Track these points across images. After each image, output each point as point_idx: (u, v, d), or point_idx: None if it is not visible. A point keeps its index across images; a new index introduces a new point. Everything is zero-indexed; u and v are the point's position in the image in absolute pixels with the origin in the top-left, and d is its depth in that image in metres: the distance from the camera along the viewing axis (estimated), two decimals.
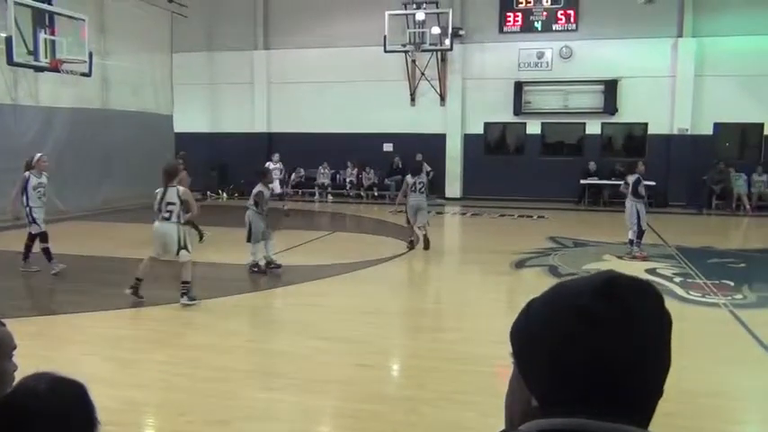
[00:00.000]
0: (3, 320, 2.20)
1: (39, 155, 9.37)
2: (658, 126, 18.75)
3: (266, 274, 9.23)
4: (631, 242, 10.65)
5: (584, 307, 0.91)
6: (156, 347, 6.05)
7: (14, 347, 2.12)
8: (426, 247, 11.32)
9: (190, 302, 7.34)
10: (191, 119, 21.20)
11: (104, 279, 9.01)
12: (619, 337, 0.89)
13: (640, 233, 10.53)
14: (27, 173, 9.15)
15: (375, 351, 6.11)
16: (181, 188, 7.45)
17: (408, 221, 11.44)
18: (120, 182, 17.64)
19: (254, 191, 9.41)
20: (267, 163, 17.25)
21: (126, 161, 17.77)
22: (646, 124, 19.04)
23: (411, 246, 11.44)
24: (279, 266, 9.34)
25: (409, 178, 11.42)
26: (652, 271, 9.41)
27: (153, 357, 5.76)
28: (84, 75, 12.98)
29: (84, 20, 12.86)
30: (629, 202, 10.56)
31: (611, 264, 10.04)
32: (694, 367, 5.69)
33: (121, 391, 4.86)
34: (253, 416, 4.58)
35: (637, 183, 10.46)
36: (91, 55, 12.75)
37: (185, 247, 7.43)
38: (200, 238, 11.34)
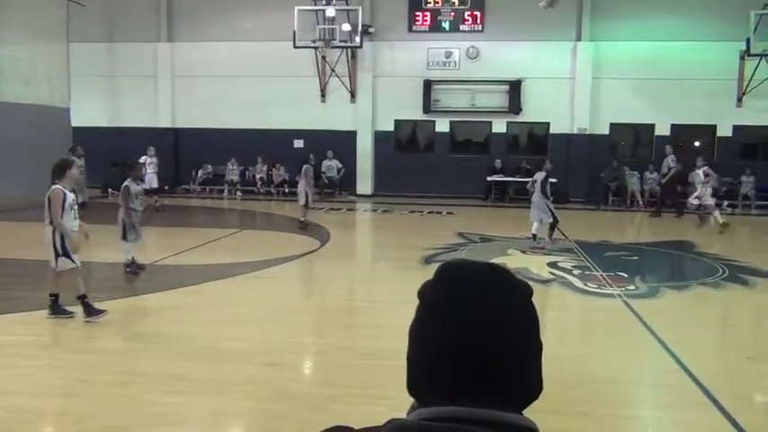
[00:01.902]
0: None
1: None
2: (559, 125, 19.57)
3: (144, 270, 8.87)
4: (534, 236, 11.14)
5: (421, 294, 1.01)
6: (54, 353, 5.75)
7: None
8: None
9: (51, 315, 6.61)
10: (90, 112, 20.22)
11: None
12: (450, 321, 0.96)
13: (554, 225, 11.12)
14: None
15: (284, 350, 6.05)
16: (53, 187, 6.55)
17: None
18: (12, 178, 16.57)
19: (122, 186, 8.95)
20: (142, 157, 16.65)
21: (17, 156, 16.70)
22: (548, 124, 19.82)
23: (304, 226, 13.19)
24: (142, 267, 8.94)
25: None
26: (553, 264, 9.84)
27: (50, 363, 5.46)
28: None
29: None
30: (539, 199, 10.99)
31: (515, 258, 10.41)
32: (591, 355, 6.01)
33: (12, 399, 4.59)
34: (157, 421, 4.44)
35: (545, 181, 10.92)
36: None
37: (65, 255, 6.50)
38: None
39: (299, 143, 20.48)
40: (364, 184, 20.50)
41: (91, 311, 6.58)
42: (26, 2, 17.26)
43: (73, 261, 6.54)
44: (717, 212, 13.80)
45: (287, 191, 20.03)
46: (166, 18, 20.80)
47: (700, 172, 13.96)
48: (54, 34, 18.77)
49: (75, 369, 5.32)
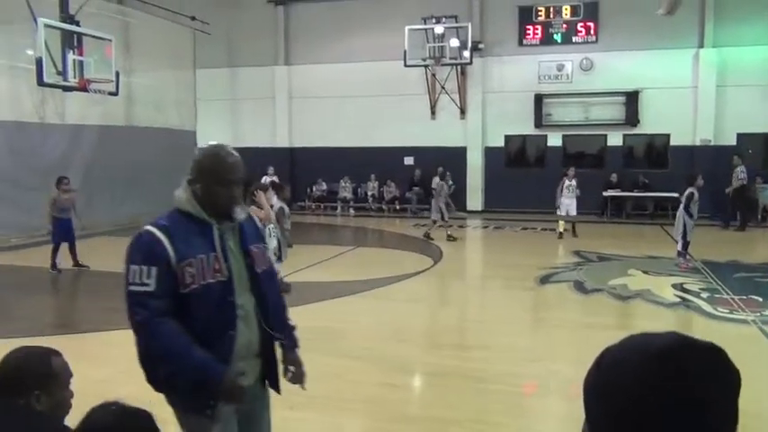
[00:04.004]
0: (58, 351, 2.30)
1: None
2: (681, 137, 18.63)
3: (290, 291, 9.18)
4: (679, 253, 10.75)
5: (647, 367, 0.96)
6: None
7: (71, 376, 2.21)
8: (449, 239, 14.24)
9: None
10: (213, 134, 21.34)
11: None
12: (674, 398, 0.93)
13: (685, 245, 10.64)
14: None
15: (400, 369, 6.14)
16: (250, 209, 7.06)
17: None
18: (144, 197, 17.86)
19: (276, 207, 9.10)
20: (263, 177, 17.65)
21: (150, 177, 18.01)
22: (668, 135, 18.93)
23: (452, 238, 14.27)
24: (288, 290, 9.26)
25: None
26: (679, 286, 9.33)
27: None
28: (111, 94, 13.23)
29: (110, 40, 13.12)
30: (679, 216, 10.71)
31: (637, 278, 9.97)
32: None
33: (156, 408, 4.93)
34: None
35: (689, 198, 10.52)
36: (118, 74, 13.00)
37: None
38: None
39: (409, 160, 20.77)
40: (474, 200, 20.40)
41: None
42: (157, 33, 18.64)
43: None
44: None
45: (398, 207, 20.34)
46: (284, 43, 21.77)
47: (573, 183, 14.61)
48: (182, 62, 20.16)
49: None
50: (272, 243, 7.16)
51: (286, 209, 9.17)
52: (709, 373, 0.95)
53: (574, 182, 14.75)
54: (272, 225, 7.16)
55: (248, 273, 2.63)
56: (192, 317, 2.45)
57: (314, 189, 21.30)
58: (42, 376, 2.11)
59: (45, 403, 2.10)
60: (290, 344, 2.89)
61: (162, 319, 2.41)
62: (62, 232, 10.63)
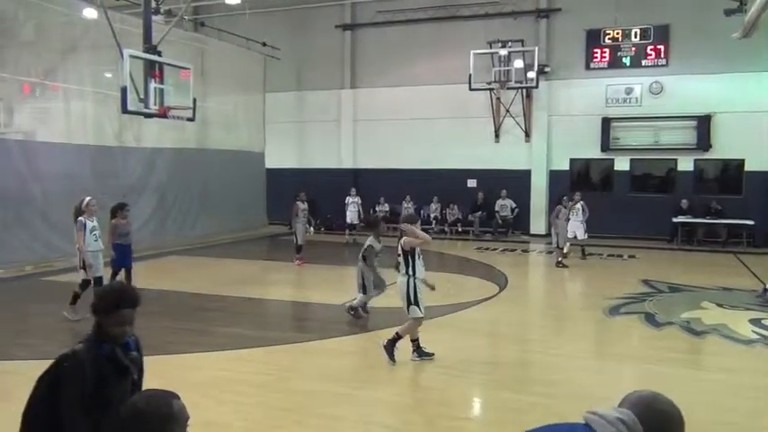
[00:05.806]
0: (176, 393, 2.48)
1: (88, 198, 9.16)
2: (756, 162, 18.06)
3: (361, 318, 9.36)
4: (765, 290, 10.53)
5: None
6: (264, 391, 6.32)
7: (188, 418, 2.40)
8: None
9: (416, 358, 7.27)
10: (281, 155, 22.07)
11: (208, 317, 9.48)
12: None
13: None
14: (81, 218, 8.98)
15: (463, 403, 6.21)
16: (404, 239, 7.27)
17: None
18: (215, 217, 18.53)
19: (365, 244, 9.42)
20: (346, 198, 18.45)
21: (221, 197, 18.68)
22: (742, 161, 18.38)
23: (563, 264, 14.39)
24: (361, 316, 9.34)
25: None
26: (756, 322, 9.04)
27: (263, 402, 6.03)
28: (189, 120, 13.79)
29: (189, 68, 13.71)
30: None
31: (711, 312, 9.70)
32: None
33: None
34: None
35: None
36: (195, 101, 13.54)
37: (415, 303, 7.18)
38: None
39: (472, 183, 20.81)
40: (538, 223, 20.23)
41: (421, 354, 7.30)
42: (229, 59, 19.37)
43: (421, 311, 7.20)
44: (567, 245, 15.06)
45: (460, 230, 20.36)
46: (350, 67, 22.22)
47: (578, 206, 15.25)
48: (252, 86, 20.86)
49: (287, 409, 5.84)
50: (423, 272, 7.33)
51: (376, 247, 9.30)
52: None
53: (578, 206, 15.31)
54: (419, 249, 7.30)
55: None
56: None
57: (376, 210, 21.52)
58: (164, 418, 2.28)
59: None
60: None
61: None
62: (121, 257, 10.77)
